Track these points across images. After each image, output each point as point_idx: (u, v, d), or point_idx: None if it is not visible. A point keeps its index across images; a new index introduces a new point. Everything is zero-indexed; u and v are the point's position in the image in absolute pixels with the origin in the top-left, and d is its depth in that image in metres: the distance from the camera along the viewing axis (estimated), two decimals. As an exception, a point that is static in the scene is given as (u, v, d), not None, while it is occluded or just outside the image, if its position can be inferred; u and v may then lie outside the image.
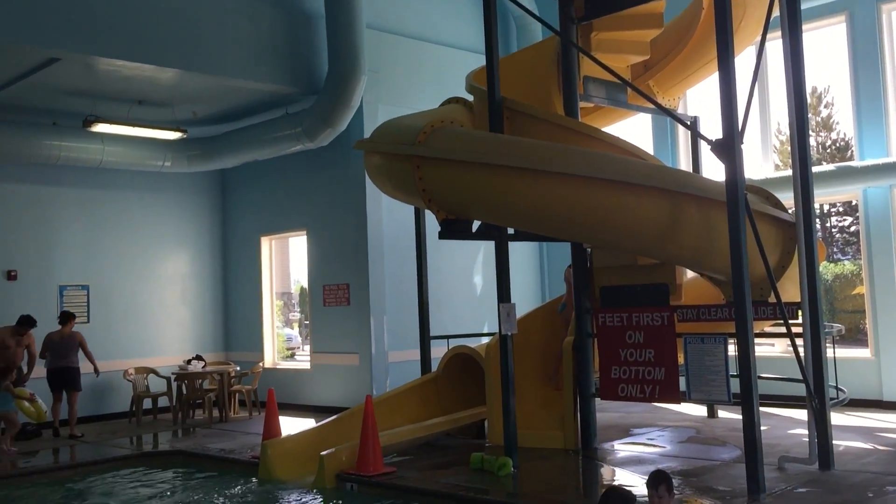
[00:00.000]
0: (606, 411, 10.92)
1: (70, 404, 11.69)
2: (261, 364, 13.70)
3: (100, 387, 12.92)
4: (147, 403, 12.91)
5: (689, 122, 9.60)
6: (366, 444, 8.05)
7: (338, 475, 8.07)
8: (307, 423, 10.26)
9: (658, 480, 5.08)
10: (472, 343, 10.66)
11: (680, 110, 11.53)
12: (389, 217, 12.40)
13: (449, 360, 10.35)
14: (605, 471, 8.05)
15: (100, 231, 13.41)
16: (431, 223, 9.23)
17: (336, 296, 12.86)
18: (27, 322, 11.51)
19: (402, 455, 8.97)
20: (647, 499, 5.21)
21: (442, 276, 12.71)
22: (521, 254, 14.32)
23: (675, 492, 5.91)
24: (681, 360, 7.86)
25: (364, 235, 12.33)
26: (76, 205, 13.19)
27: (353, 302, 12.58)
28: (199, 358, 13.31)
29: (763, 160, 12.29)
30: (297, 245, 14.64)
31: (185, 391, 12.69)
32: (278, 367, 14.37)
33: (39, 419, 11.11)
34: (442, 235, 8.53)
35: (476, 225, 8.68)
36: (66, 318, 11.94)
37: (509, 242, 8.68)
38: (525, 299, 13.38)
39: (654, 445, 9.09)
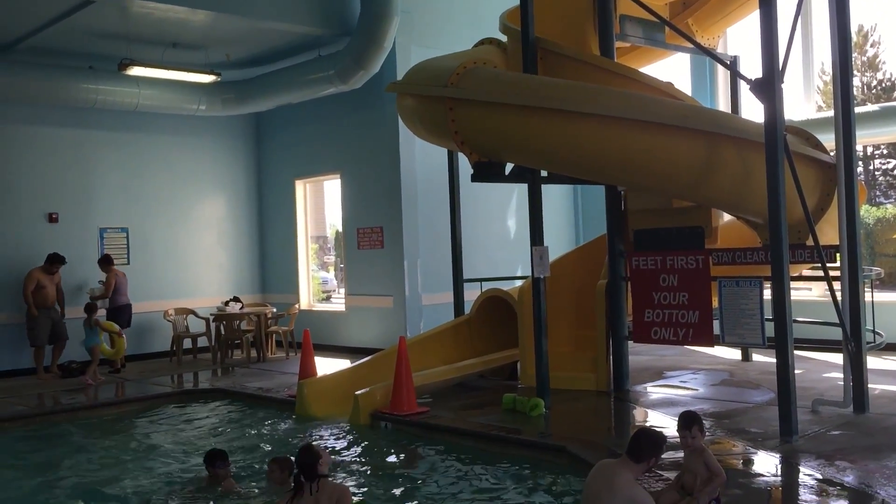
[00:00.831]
0: (640, 354, 10.93)
1: None
2: (297, 306, 13.88)
3: (141, 327, 13.22)
4: (187, 343, 13.19)
5: (728, 62, 9.38)
6: (399, 384, 8.16)
7: (372, 414, 8.23)
8: (342, 364, 10.42)
9: (689, 421, 5.09)
10: (505, 286, 10.69)
11: (720, 50, 11.24)
12: (423, 160, 12.36)
13: (482, 303, 10.41)
14: (638, 412, 8.09)
15: (137, 174, 13.57)
16: (465, 166, 9.19)
17: (370, 239, 12.94)
18: (57, 259, 11.78)
19: (435, 395, 9.10)
20: (678, 440, 5.24)
21: (475, 218, 12.70)
22: (555, 196, 14.23)
23: (707, 433, 5.94)
24: (715, 303, 7.81)
25: (397, 178, 12.33)
26: (114, 148, 13.33)
27: (387, 245, 12.64)
28: (236, 299, 13.53)
29: (805, 101, 12.00)
30: (332, 188, 14.69)
31: (223, 332, 12.94)
32: (314, 309, 14.56)
33: (117, 355, 11.56)
34: (475, 178, 8.50)
35: (509, 167, 8.62)
36: (111, 259, 12.35)
37: (542, 185, 8.63)
38: (558, 242, 13.35)
39: (687, 388, 9.11)
